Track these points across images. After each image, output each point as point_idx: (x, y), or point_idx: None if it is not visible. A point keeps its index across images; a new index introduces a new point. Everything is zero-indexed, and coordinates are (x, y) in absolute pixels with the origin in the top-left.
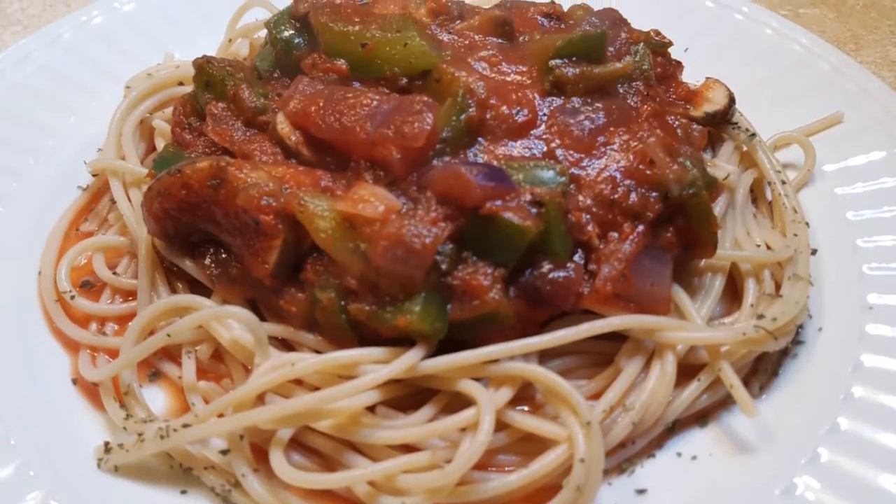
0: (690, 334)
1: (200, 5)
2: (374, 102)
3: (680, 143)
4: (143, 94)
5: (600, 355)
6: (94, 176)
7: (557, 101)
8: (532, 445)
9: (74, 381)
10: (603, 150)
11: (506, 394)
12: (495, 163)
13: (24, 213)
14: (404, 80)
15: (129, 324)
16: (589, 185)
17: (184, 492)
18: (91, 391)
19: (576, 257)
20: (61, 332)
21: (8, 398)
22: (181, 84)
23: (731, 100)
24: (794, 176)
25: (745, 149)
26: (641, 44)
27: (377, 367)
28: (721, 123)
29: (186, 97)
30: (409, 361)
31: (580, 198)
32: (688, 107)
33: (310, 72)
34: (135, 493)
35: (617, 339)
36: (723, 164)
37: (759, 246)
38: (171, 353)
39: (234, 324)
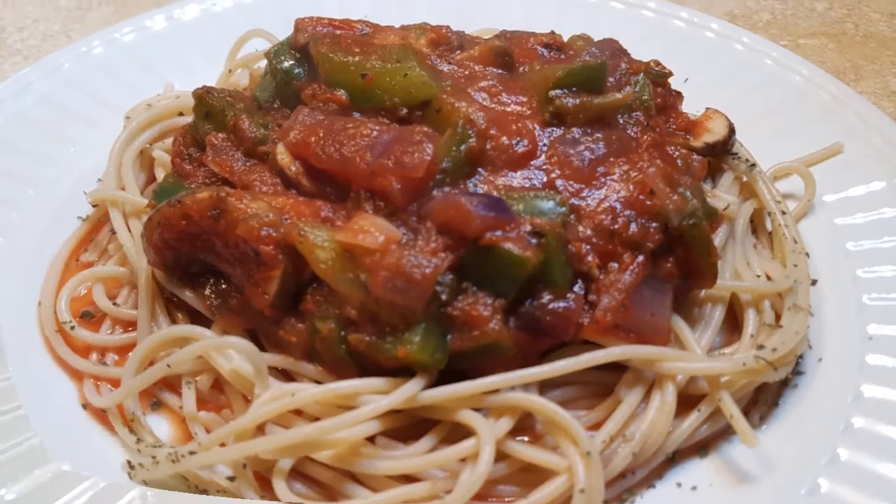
0: (690, 365)
1: (201, 36)
2: (374, 133)
3: (680, 174)
4: (143, 124)
5: (601, 385)
6: (94, 206)
7: (557, 132)
8: (532, 476)
9: (84, 406)
10: (603, 180)
11: (506, 424)
12: (495, 193)
13: (25, 244)
14: (404, 111)
15: (130, 354)
16: (589, 215)
17: None
18: (101, 415)
19: (576, 287)
20: (64, 361)
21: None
22: (181, 115)
23: (731, 130)
24: (794, 206)
25: (745, 179)
26: (641, 74)
27: (377, 397)
28: (721, 154)
29: (186, 128)
30: (409, 392)
31: (580, 228)
32: (688, 137)
33: (310, 102)
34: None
35: (617, 369)
36: (723, 195)
37: (759, 276)
38: (172, 384)
39: (233, 354)
